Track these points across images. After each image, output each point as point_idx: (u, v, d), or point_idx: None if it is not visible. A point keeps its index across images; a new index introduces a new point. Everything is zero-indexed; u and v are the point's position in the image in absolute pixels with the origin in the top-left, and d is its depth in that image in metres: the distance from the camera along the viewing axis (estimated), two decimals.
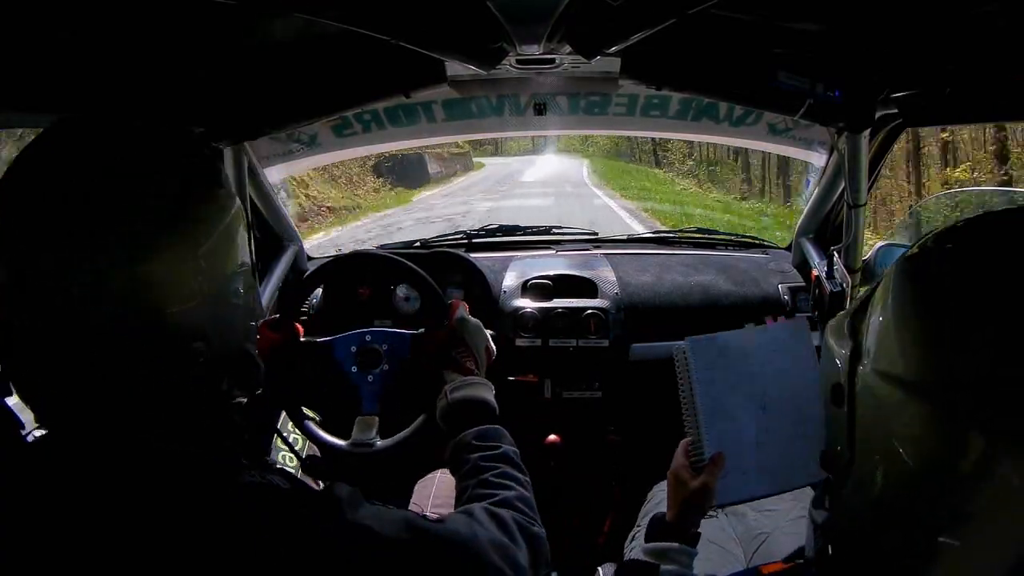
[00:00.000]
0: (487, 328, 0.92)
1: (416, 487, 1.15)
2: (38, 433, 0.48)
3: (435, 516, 0.54)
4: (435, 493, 1.10)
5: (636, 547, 1.04)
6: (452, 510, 0.62)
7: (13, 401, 0.50)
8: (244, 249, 0.54)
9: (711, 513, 0.82)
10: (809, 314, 1.47)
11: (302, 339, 0.98)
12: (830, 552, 0.50)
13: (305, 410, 1.04)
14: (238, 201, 0.53)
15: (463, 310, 0.90)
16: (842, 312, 0.50)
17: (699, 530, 0.79)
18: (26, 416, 0.50)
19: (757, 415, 0.81)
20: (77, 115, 0.47)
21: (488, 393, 0.81)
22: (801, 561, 0.71)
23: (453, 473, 0.73)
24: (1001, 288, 0.36)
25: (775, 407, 0.81)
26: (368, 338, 0.97)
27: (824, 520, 0.50)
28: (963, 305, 0.37)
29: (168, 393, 0.47)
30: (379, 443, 0.95)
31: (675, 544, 0.76)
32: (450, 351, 0.85)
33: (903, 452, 0.38)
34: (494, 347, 0.90)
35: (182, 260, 0.46)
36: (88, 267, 0.42)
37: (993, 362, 0.35)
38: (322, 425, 1.01)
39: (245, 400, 0.55)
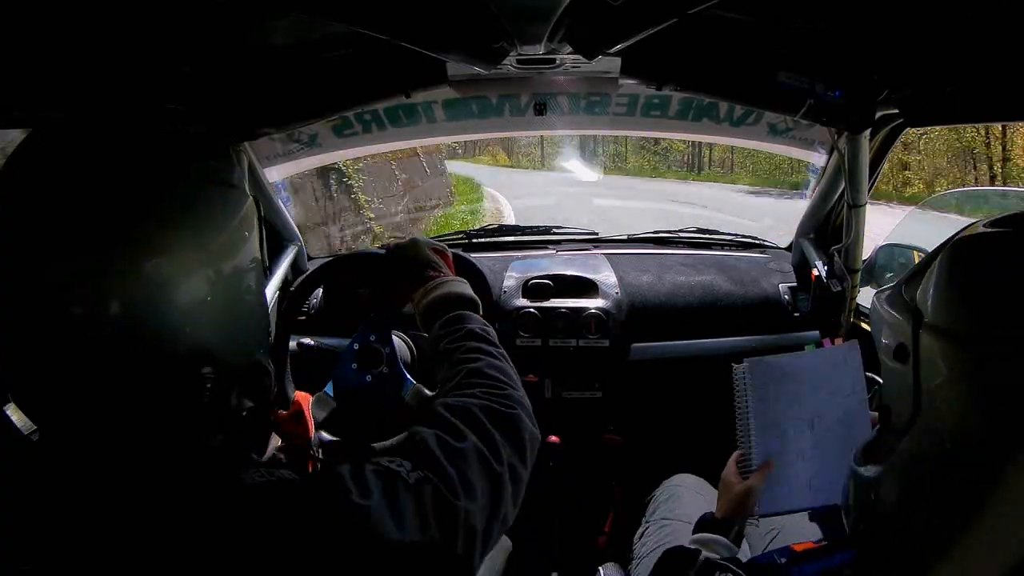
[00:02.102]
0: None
1: None
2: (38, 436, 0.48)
3: (416, 476, 0.49)
4: None
5: (648, 543, 1.05)
6: None
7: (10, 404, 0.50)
8: (255, 253, 0.52)
9: (752, 521, 0.88)
10: (804, 312, 1.48)
11: (311, 399, 0.97)
12: (873, 510, 0.52)
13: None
14: (251, 201, 0.52)
15: (395, 241, 0.87)
16: (892, 284, 0.52)
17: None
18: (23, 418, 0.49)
19: (805, 433, 0.86)
20: (73, 115, 0.46)
21: (449, 287, 0.76)
22: (827, 542, 0.72)
23: (436, 372, 0.70)
24: None
25: (823, 426, 0.86)
26: (356, 346, 0.97)
27: (875, 475, 0.51)
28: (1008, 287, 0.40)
29: (174, 414, 0.46)
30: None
31: (720, 538, 0.82)
32: (408, 280, 0.81)
33: (961, 406, 0.41)
34: (441, 244, 0.86)
35: (190, 267, 0.45)
36: (91, 275, 0.41)
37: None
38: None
39: (260, 408, 0.54)
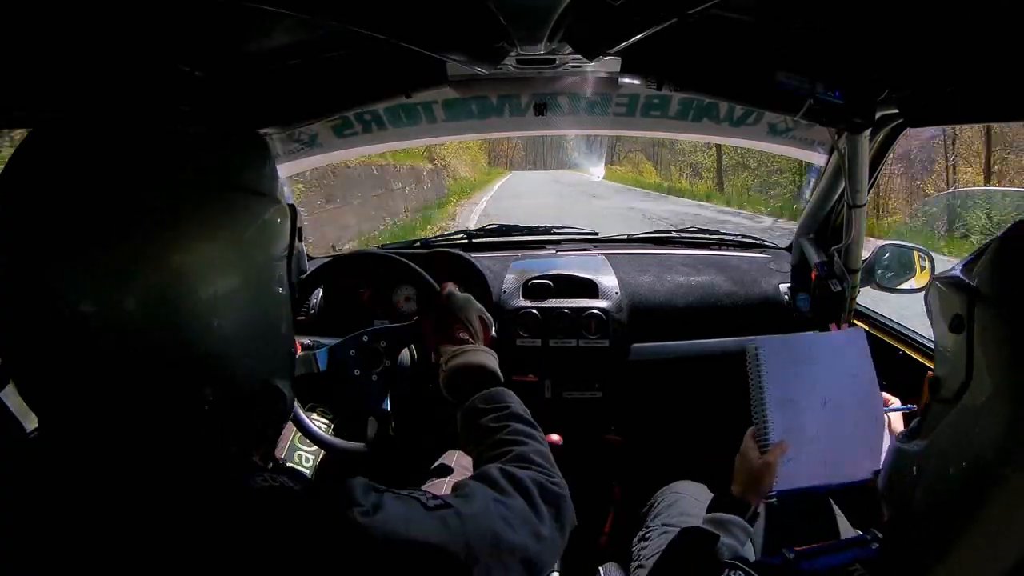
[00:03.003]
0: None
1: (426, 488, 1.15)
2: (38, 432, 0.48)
3: (451, 498, 0.51)
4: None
5: (651, 547, 1.04)
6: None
7: (12, 400, 0.50)
8: (277, 268, 0.49)
9: (769, 498, 0.88)
10: (804, 312, 1.48)
11: (299, 353, 0.97)
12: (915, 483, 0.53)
13: (315, 416, 1.04)
14: (277, 209, 0.49)
15: (451, 287, 0.89)
16: (949, 270, 0.54)
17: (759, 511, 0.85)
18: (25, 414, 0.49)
19: (818, 410, 0.88)
20: (75, 115, 0.45)
21: (486, 358, 0.78)
22: (832, 541, 0.74)
23: (466, 444, 0.71)
24: None
25: (834, 405, 0.88)
26: (365, 339, 0.97)
27: (920, 449, 0.53)
28: None
29: (174, 424, 0.45)
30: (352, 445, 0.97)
31: (737, 518, 0.82)
32: (443, 328, 0.83)
33: (1014, 377, 0.43)
34: (489, 317, 0.88)
35: (197, 278, 0.43)
36: (98, 277, 0.41)
37: None
38: (336, 430, 1.02)
39: (271, 428, 0.54)
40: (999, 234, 0.49)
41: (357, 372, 0.96)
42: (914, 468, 0.53)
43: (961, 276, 0.51)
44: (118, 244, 0.41)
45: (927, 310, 0.56)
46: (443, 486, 1.07)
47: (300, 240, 0.54)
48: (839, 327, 1.39)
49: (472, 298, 0.88)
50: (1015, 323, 0.44)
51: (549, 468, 0.63)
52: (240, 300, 0.46)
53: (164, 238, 0.43)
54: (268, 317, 0.49)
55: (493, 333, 0.88)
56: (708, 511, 0.84)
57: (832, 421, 0.87)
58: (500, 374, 0.78)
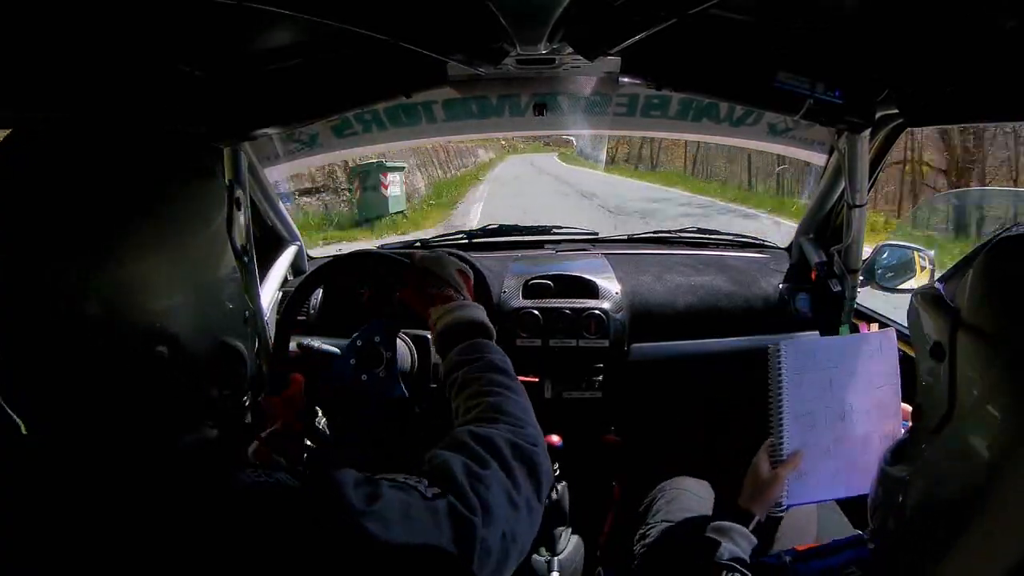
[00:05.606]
0: None
1: None
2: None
3: (443, 484, 0.51)
4: None
5: (650, 544, 1.05)
6: None
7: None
8: (222, 235, 0.51)
9: (778, 511, 0.87)
10: (804, 313, 1.48)
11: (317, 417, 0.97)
12: (902, 509, 0.52)
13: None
14: (219, 183, 0.52)
15: (421, 253, 0.88)
16: (929, 284, 0.53)
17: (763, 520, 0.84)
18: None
19: (835, 424, 0.84)
20: (47, 115, 0.46)
21: (471, 311, 0.77)
22: (830, 541, 0.74)
23: (448, 396, 0.71)
24: None
25: (853, 417, 0.84)
26: (359, 343, 0.97)
27: (904, 475, 0.52)
28: None
29: (142, 395, 0.46)
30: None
31: (740, 527, 0.82)
32: (425, 293, 0.82)
33: (997, 407, 0.41)
34: (468, 268, 0.87)
35: (148, 255, 0.45)
36: (56, 266, 0.42)
37: None
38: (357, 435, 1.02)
39: (234, 397, 0.53)
40: (977, 251, 0.47)
41: (364, 377, 0.96)
42: (899, 496, 0.52)
43: (943, 294, 0.49)
44: (77, 234, 0.42)
45: (908, 329, 0.54)
46: None
47: (239, 209, 0.56)
48: (839, 327, 1.39)
49: (444, 253, 0.86)
50: (1003, 358, 0.41)
51: (522, 418, 0.62)
52: (184, 264, 0.48)
53: (119, 224, 0.44)
54: (213, 277, 0.51)
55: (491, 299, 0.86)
56: (712, 519, 0.84)
57: (848, 435, 0.83)
58: (489, 324, 0.77)
